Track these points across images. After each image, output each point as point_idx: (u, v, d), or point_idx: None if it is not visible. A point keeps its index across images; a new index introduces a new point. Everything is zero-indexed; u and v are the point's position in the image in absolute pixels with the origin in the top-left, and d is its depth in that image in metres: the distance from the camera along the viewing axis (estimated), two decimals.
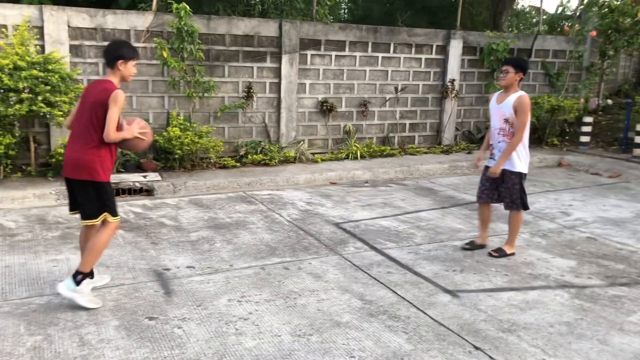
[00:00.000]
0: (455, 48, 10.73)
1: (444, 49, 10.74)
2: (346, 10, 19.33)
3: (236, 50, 9.09)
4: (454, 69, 10.79)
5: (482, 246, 5.58)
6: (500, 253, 5.32)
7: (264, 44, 9.26)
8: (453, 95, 10.79)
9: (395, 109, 10.60)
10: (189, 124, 8.37)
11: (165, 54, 8.10)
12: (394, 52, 10.34)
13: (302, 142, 9.67)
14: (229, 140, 9.25)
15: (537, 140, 11.23)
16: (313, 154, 9.57)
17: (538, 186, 8.34)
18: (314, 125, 9.94)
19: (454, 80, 10.76)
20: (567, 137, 11.55)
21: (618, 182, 8.86)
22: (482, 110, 11.40)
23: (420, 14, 16.45)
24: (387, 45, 10.25)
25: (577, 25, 12.02)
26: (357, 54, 10.03)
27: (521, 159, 5.22)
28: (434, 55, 10.71)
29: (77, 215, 4.12)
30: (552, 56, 11.98)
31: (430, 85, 10.82)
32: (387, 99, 10.43)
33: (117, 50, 3.95)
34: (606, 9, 11.59)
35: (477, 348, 3.62)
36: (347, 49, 9.92)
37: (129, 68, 3.98)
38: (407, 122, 10.78)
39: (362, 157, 9.72)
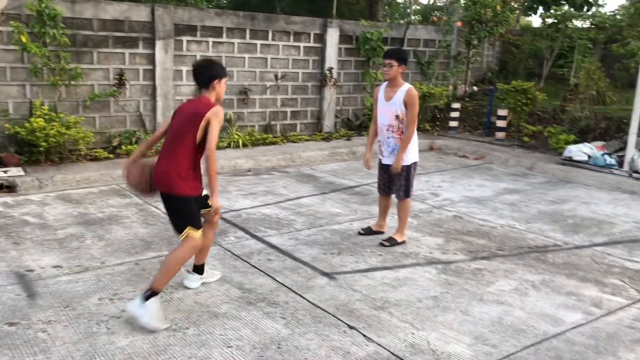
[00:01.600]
0: (332, 37, 10.94)
1: (321, 38, 10.91)
2: None
3: (105, 35, 8.61)
4: (331, 58, 11.01)
5: (378, 232, 5.65)
6: (391, 242, 5.30)
7: (135, 29, 8.85)
8: (332, 83, 11.01)
9: (277, 97, 10.63)
10: (54, 114, 7.81)
11: (24, 39, 7.48)
12: (273, 39, 10.34)
13: None
14: (100, 131, 8.78)
15: None
16: None
17: None
18: None
19: (332, 68, 10.98)
20: (437, 123, 12.25)
21: (482, 164, 9.56)
22: (360, 97, 11.75)
23: (300, 2, 16.58)
24: (265, 32, 10.22)
25: (444, 16, 12.73)
26: (235, 40, 9.91)
27: (409, 150, 5.19)
28: (312, 44, 10.85)
29: None
30: (423, 45, 12.61)
31: (310, 73, 10.96)
32: (267, 86, 10.43)
33: (211, 71, 3.91)
34: (469, 1, 12.38)
35: (351, 327, 3.75)
36: (224, 35, 9.76)
37: (223, 86, 3.96)
38: (289, 110, 10.86)
39: (244, 145, 9.66)
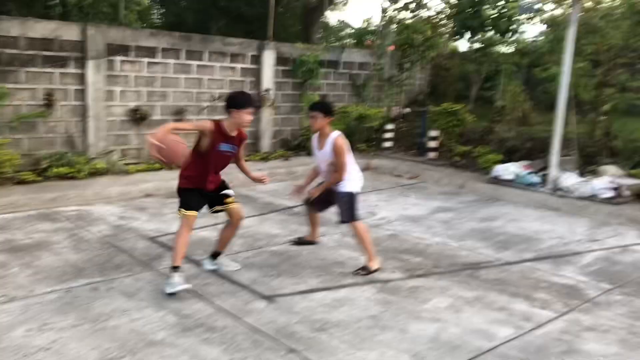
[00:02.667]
0: (269, 58, 11.02)
1: (258, 59, 10.96)
2: (158, 16, 18.75)
3: (33, 54, 8.32)
4: (268, 79, 11.06)
5: (311, 242, 5.90)
6: (366, 270, 5.18)
7: (66, 48, 8.60)
8: (269, 104, 11.05)
9: (214, 117, 10.52)
10: None
11: None
12: (209, 60, 10.30)
13: (113, 153, 9.14)
14: (28, 153, 8.42)
15: None
16: (126, 164, 9.10)
17: None
18: (127, 134, 9.48)
19: (269, 89, 11.03)
20: (373, 143, 12.48)
21: (417, 183, 9.82)
22: (297, 118, 11.85)
23: (236, 24, 16.57)
24: (201, 53, 10.17)
25: (378, 40, 13.09)
26: (171, 61, 9.80)
27: (347, 182, 5.25)
28: (249, 65, 10.87)
29: None
30: (358, 68, 12.89)
31: None
32: (204, 107, 10.33)
33: (231, 101, 4.69)
34: (401, 26, 12.79)
35: (292, 350, 3.74)
36: (159, 55, 9.63)
37: (242, 116, 4.64)
38: None
39: None
